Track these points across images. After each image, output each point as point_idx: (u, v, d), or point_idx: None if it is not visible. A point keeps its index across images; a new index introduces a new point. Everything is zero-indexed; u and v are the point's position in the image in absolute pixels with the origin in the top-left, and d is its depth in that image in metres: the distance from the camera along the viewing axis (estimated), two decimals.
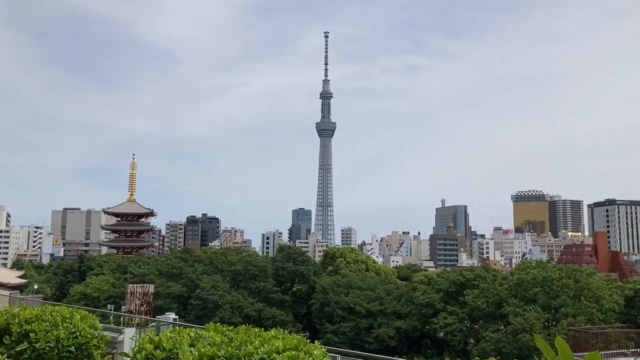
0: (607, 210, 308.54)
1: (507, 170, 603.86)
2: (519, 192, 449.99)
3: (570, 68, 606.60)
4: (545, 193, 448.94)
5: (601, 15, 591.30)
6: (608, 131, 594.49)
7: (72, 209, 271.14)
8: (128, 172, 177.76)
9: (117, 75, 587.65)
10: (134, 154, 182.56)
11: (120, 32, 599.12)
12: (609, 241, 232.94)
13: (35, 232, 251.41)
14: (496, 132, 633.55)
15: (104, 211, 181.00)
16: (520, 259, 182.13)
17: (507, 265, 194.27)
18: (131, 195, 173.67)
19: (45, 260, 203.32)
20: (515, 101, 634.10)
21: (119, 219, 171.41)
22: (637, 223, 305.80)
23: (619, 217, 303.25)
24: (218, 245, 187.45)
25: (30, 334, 6.74)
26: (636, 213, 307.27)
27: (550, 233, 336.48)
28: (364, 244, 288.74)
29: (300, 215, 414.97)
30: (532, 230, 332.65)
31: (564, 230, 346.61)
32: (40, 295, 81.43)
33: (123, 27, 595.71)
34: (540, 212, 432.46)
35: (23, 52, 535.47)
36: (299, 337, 4.77)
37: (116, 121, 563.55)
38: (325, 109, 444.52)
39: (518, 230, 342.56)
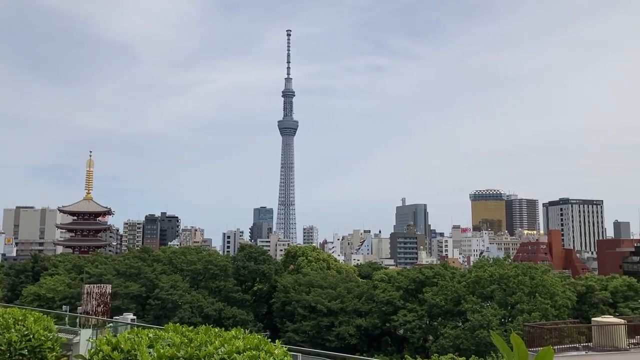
0: (561, 209, 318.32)
1: (466, 169, 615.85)
2: (477, 191, 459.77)
3: (527, 70, 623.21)
4: (502, 192, 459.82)
5: (559, 20, 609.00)
6: (563, 132, 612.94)
7: (26, 207, 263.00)
8: (84, 169, 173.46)
9: (74, 71, 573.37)
10: (90, 151, 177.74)
11: (76, 26, 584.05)
12: (563, 239, 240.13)
13: None
14: (456, 132, 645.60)
15: (59, 210, 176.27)
16: (478, 256, 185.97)
17: (466, 263, 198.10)
18: (88, 193, 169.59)
19: None
20: (475, 102, 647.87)
21: (75, 217, 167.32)
22: (589, 221, 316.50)
23: (572, 216, 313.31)
24: (177, 245, 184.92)
25: None
26: (589, 212, 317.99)
27: (507, 231, 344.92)
28: (325, 242, 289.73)
29: (262, 214, 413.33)
30: (489, 229, 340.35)
31: (520, 229, 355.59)
32: None
33: (80, 22, 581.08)
34: (498, 211, 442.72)
35: None
36: (259, 336, 4.75)
37: (72, 118, 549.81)
38: (288, 107, 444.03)
39: (476, 228, 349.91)
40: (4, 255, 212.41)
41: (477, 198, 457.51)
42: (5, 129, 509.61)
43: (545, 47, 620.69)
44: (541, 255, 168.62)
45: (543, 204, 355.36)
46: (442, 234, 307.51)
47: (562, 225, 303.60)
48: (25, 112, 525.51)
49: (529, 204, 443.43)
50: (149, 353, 4.32)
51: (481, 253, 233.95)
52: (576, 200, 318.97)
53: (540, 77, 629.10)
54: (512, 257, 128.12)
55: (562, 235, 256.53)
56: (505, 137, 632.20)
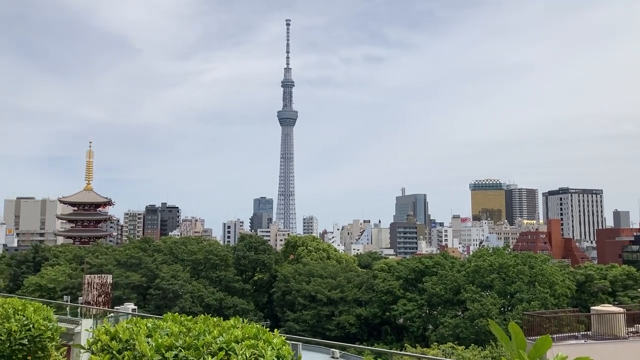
0: (560, 199, 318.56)
1: (465, 159, 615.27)
2: (476, 181, 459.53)
3: (524, 59, 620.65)
4: (502, 182, 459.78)
5: (554, 9, 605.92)
6: (561, 121, 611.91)
7: (26, 198, 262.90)
8: (84, 160, 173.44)
9: (72, 62, 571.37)
10: (90, 142, 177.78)
11: (75, 17, 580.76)
12: (562, 228, 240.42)
13: None
14: (455, 122, 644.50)
15: (59, 200, 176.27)
16: (478, 246, 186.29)
17: (465, 253, 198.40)
18: (88, 184, 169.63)
19: None
20: (472, 91, 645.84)
21: (76, 208, 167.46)
22: (588, 211, 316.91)
23: (571, 205, 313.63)
24: (178, 235, 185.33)
25: None
26: (588, 201, 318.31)
27: (506, 221, 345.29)
28: (325, 232, 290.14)
29: (262, 204, 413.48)
30: (489, 218, 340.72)
31: (519, 218, 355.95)
32: None
33: (78, 13, 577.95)
34: (497, 201, 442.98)
35: None
36: (258, 326, 4.75)
37: (72, 108, 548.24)
38: (287, 97, 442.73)
39: (476, 218, 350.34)
40: (5, 245, 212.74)
41: (477, 188, 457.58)
42: (5, 120, 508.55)
43: (542, 36, 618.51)
44: (541, 244, 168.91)
45: (543, 193, 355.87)
46: (441, 224, 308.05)
47: (561, 214, 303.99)
48: (25, 103, 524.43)
49: (529, 194, 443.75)
50: (148, 342, 4.32)
51: (481, 243, 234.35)
52: (575, 189, 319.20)
53: (537, 66, 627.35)
54: (511, 247, 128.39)
55: (562, 224, 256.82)
56: (503, 127, 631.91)
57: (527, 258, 68.44)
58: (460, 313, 65.63)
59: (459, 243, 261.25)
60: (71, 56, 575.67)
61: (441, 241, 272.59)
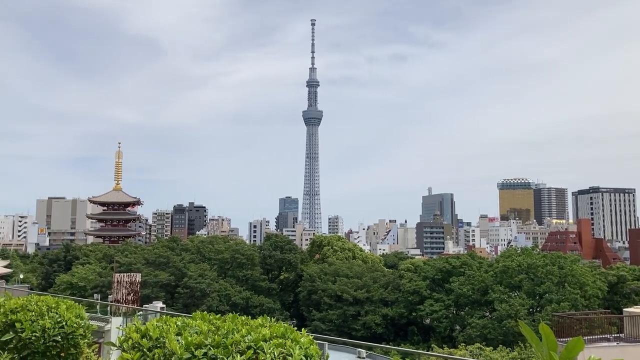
0: (591, 198, 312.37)
1: (493, 158, 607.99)
2: (504, 180, 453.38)
3: (554, 56, 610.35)
4: (530, 181, 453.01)
5: (584, 4, 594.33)
6: (591, 119, 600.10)
7: (57, 198, 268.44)
8: (114, 161, 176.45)
9: (102, 64, 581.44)
10: (119, 143, 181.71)
11: (103, 20, 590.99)
12: (593, 228, 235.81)
13: (20, 221, 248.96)
14: (482, 121, 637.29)
15: (89, 200, 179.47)
16: (506, 246, 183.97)
17: (493, 253, 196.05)
18: (117, 184, 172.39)
19: (31, 249, 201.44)
20: (500, 89, 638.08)
21: (105, 208, 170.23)
22: (620, 210, 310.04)
23: (602, 205, 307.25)
24: (205, 234, 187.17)
25: (16, 324, 6.70)
26: (620, 200, 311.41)
27: (535, 220, 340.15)
28: (350, 232, 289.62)
29: (287, 203, 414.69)
30: (517, 218, 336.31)
31: (548, 218, 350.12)
32: (26, 285, 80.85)
33: (106, 16, 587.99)
34: (526, 200, 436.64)
35: (5, 41, 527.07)
36: (285, 325, 4.77)
37: (101, 110, 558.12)
38: (312, 97, 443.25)
39: (504, 217, 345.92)
40: (37, 244, 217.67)
41: (505, 187, 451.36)
42: (37, 121, 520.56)
43: (571, 33, 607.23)
44: (570, 244, 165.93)
45: (572, 192, 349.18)
46: (469, 224, 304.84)
47: (592, 214, 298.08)
48: (56, 105, 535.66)
49: (558, 193, 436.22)
50: (177, 341, 4.37)
51: (509, 242, 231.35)
52: (607, 189, 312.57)
53: (566, 64, 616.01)
54: (540, 247, 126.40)
55: (592, 224, 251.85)
56: (531, 125, 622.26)
57: (557, 258, 67.32)
58: (488, 314, 64.91)
59: (487, 243, 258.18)
60: (101, 59, 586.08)
61: (468, 241, 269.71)
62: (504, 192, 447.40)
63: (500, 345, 49.24)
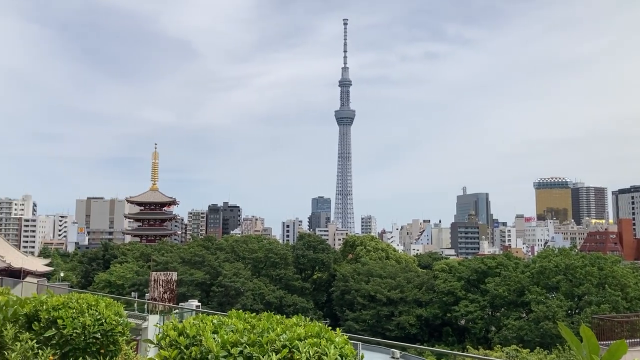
0: (632, 197, 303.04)
1: (528, 157, 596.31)
2: (541, 179, 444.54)
3: (590, 53, 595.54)
4: (567, 180, 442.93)
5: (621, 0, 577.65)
6: (632, 116, 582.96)
7: (96, 198, 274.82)
8: (150, 161, 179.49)
9: (137, 67, 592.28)
10: (155, 144, 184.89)
11: (139, 24, 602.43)
12: (634, 229, 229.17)
13: (61, 221, 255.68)
14: (517, 119, 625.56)
15: (127, 200, 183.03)
16: (543, 246, 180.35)
17: (529, 253, 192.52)
18: (154, 184, 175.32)
19: (71, 248, 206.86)
20: (535, 87, 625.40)
21: (142, 207, 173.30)
22: None
23: None
24: (239, 234, 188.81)
25: (58, 321, 6.88)
26: None
27: (573, 220, 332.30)
28: (384, 232, 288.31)
29: (320, 203, 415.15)
30: (554, 218, 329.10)
31: (587, 218, 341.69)
32: (67, 283, 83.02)
33: (141, 19, 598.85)
34: (563, 199, 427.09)
35: (46, 45, 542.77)
36: (320, 324, 4.78)
37: (137, 112, 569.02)
38: (345, 96, 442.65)
39: (540, 217, 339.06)
40: (77, 243, 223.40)
41: (542, 186, 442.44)
42: (75, 123, 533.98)
43: (609, 29, 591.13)
44: (610, 245, 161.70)
45: (612, 192, 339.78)
46: (504, 224, 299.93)
47: (633, 214, 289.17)
48: (94, 107, 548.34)
49: (597, 192, 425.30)
50: (214, 338, 4.42)
51: (546, 243, 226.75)
52: None
53: (604, 60, 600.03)
54: (578, 247, 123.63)
55: (634, 224, 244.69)
56: (569, 123, 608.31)
57: (596, 259, 65.73)
58: (524, 315, 63.85)
59: (523, 243, 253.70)
60: (137, 61, 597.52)
61: (504, 241, 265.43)
62: (540, 192, 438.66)
63: (538, 347, 48.35)
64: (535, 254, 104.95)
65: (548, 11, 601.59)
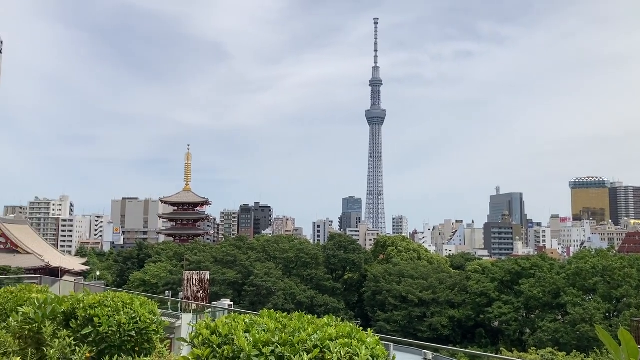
0: None
1: (564, 156, 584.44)
2: (577, 178, 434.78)
3: (628, 48, 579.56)
4: (605, 179, 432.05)
5: None
6: None
7: (131, 198, 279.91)
8: (183, 162, 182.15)
9: (170, 69, 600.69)
10: (188, 145, 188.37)
11: (170, 26, 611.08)
12: None
13: (97, 221, 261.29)
14: (552, 117, 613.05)
15: (161, 200, 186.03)
16: (579, 247, 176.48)
17: (565, 254, 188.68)
18: (187, 184, 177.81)
19: (106, 248, 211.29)
20: (571, 84, 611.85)
21: (176, 208, 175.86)
22: None
23: None
24: (270, 233, 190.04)
25: (94, 319, 7.04)
26: None
27: (610, 221, 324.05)
28: (415, 232, 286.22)
29: (351, 203, 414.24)
30: (591, 218, 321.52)
31: (625, 218, 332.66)
32: (102, 282, 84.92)
33: (173, 23, 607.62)
34: (600, 199, 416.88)
35: (81, 49, 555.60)
36: (351, 324, 4.77)
37: (170, 113, 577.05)
38: (375, 96, 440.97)
39: (576, 218, 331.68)
40: (112, 243, 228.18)
41: (578, 186, 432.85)
42: (110, 125, 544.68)
43: None
44: None
45: None
46: (539, 224, 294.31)
47: None
48: (128, 109, 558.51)
49: (636, 192, 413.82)
50: (245, 338, 4.45)
51: (582, 244, 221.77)
52: None
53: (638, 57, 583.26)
54: (617, 248, 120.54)
55: None
56: (606, 121, 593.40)
57: (635, 260, 64.07)
58: (560, 317, 62.62)
59: (558, 244, 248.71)
60: (168, 63, 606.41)
61: (539, 242, 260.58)
62: (576, 191, 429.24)
63: (574, 351, 47.35)
64: (571, 255, 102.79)
65: (583, 7, 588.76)
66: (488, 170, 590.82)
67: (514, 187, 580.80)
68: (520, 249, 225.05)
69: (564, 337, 56.72)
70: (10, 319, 7.36)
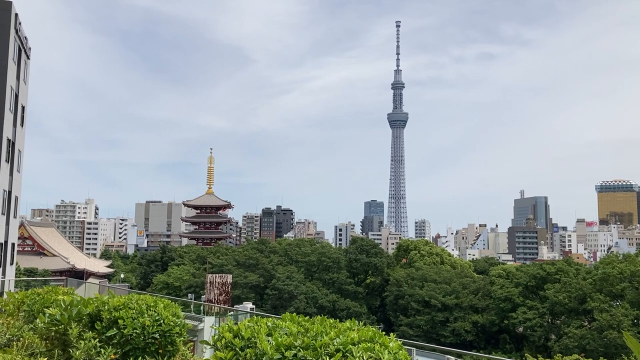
0: None
1: (590, 159, 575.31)
2: (603, 182, 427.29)
3: None
4: (633, 183, 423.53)
5: None
6: None
7: (154, 201, 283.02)
8: (206, 166, 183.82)
9: (193, 74, 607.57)
10: (211, 149, 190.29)
11: (194, 32, 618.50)
12: None
13: (121, 224, 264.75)
14: (576, 120, 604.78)
15: (184, 204, 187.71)
16: (606, 252, 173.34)
17: (591, 259, 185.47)
18: (209, 188, 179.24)
19: (130, 250, 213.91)
20: (596, 86, 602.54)
21: (198, 211, 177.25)
22: None
23: None
24: (292, 237, 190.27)
25: (119, 321, 7.14)
26: None
27: (638, 225, 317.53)
28: (438, 236, 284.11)
29: (373, 207, 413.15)
30: (618, 222, 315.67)
31: None
32: (127, 284, 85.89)
33: (197, 28, 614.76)
34: (628, 203, 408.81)
35: (106, 54, 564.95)
36: (374, 329, 4.76)
37: (193, 117, 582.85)
38: (397, 99, 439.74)
39: (603, 222, 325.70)
40: (136, 245, 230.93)
41: (604, 189, 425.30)
42: (134, 129, 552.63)
43: None
44: None
45: None
46: (564, 228, 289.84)
47: None
48: (152, 113, 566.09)
49: None
50: (268, 341, 4.47)
51: (609, 248, 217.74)
52: None
53: None
54: None
55: None
56: (632, 124, 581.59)
57: None
58: (586, 323, 61.48)
59: (584, 249, 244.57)
60: (193, 69, 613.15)
61: (564, 246, 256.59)
62: (603, 195, 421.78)
63: (601, 358, 46.46)
64: (598, 260, 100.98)
65: (608, 8, 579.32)
66: (512, 173, 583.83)
67: (539, 190, 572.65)
68: (545, 253, 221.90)
69: (590, 344, 55.69)
70: (38, 320, 7.51)
